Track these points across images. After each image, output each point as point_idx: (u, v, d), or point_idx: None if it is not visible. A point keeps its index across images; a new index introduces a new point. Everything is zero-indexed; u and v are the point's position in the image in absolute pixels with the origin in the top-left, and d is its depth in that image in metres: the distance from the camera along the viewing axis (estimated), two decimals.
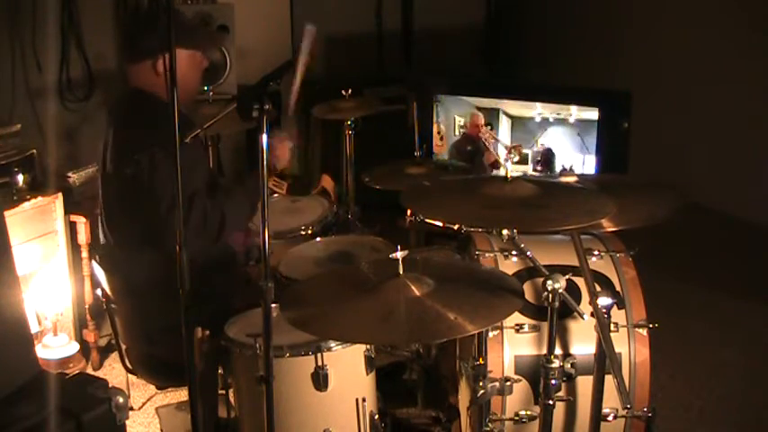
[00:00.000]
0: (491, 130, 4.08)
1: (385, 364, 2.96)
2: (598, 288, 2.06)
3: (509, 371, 2.17)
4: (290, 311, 1.91)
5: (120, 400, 2.03)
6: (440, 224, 2.07)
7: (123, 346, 2.66)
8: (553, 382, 1.93)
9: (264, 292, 1.82)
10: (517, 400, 2.18)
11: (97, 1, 4.31)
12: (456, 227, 2.53)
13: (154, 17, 2.67)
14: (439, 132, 4.36)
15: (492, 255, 2.33)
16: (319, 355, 2.09)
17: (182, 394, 3.13)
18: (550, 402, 1.95)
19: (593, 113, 3.79)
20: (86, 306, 3.49)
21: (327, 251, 2.84)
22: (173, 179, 1.86)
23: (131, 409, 2.96)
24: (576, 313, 2.05)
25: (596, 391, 2.06)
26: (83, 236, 3.42)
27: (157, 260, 2.33)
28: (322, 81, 5.43)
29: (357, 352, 2.17)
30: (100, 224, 2.64)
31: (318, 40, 2.56)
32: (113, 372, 3.46)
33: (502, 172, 2.14)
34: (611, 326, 2.12)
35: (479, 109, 4.19)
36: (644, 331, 2.20)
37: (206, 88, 3.82)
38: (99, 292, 2.66)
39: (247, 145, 4.70)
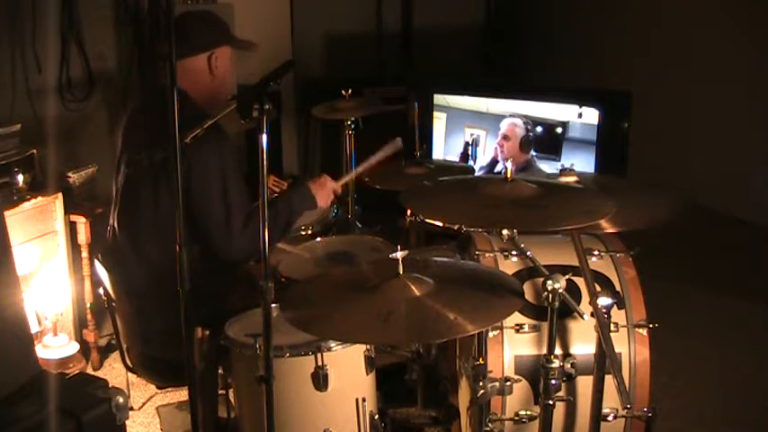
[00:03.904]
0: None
1: (385, 364, 2.96)
2: (598, 288, 2.06)
3: (509, 371, 2.17)
4: (290, 311, 1.92)
5: (120, 400, 2.02)
6: (440, 224, 2.06)
7: (124, 345, 2.66)
8: (553, 382, 1.93)
9: (264, 292, 1.82)
10: (517, 400, 2.18)
11: (97, 1, 4.31)
12: (456, 227, 2.53)
13: (203, 13, 2.65)
14: None
15: (492, 255, 2.33)
16: (319, 355, 2.09)
17: (182, 394, 3.13)
18: (550, 402, 1.95)
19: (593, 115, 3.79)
20: (87, 306, 3.49)
21: (327, 251, 2.84)
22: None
23: (131, 408, 2.96)
24: (576, 313, 2.05)
25: (596, 391, 2.06)
26: (83, 236, 3.42)
27: (160, 259, 2.33)
28: (322, 81, 5.45)
29: (357, 352, 2.17)
30: (113, 218, 2.59)
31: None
32: (113, 372, 3.46)
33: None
34: (611, 326, 2.12)
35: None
36: (644, 331, 2.20)
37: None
38: (101, 291, 2.66)
39: (248, 145, 4.70)
